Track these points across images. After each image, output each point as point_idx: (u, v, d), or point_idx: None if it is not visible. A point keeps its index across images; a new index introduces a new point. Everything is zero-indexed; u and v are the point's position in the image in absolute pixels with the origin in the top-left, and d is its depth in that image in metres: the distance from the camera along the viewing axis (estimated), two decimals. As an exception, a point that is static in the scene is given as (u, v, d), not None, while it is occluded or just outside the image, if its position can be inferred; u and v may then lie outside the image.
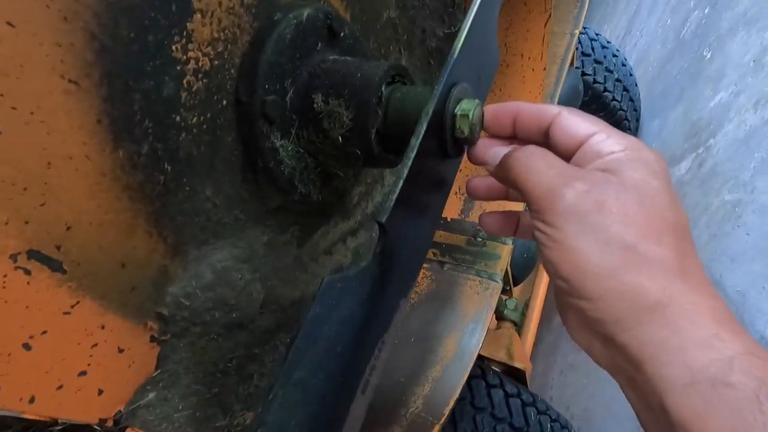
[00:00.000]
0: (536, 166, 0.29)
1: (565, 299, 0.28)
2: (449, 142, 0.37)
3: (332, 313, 0.31)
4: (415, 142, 0.33)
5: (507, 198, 0.38)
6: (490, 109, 0.36)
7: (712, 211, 0.96)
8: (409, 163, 0.32)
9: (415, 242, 0.38)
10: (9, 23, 0.24)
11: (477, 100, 0.37)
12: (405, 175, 0.32)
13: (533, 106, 0.33)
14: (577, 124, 0.31)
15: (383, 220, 0.31)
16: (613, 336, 0.26)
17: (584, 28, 1.43)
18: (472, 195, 0.39)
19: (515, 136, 0.35)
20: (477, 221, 0.81)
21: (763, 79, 0.96)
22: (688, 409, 0.22)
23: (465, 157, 0.39)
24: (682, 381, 0.23)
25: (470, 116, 0.36)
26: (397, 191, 0.32)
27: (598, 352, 0.28)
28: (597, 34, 1.45)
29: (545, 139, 0.33)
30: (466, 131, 0.36)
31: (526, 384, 1.06)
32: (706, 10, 1.42)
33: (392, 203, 0.31)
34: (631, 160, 0.28)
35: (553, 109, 0.32)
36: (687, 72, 1.38)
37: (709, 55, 1.27)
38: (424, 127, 0.33)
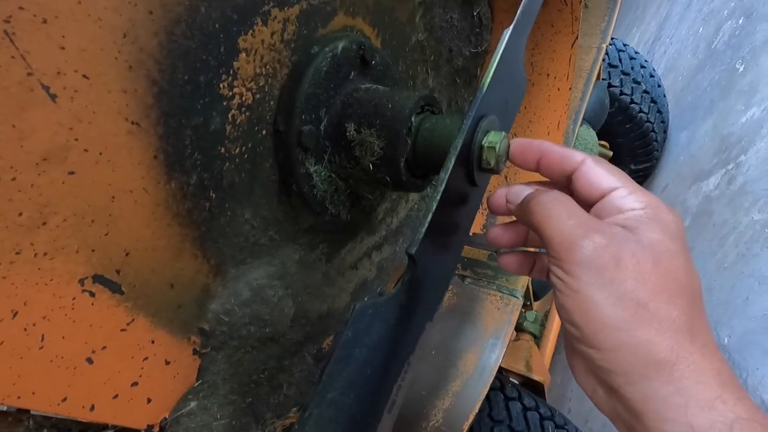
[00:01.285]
0: (558, 213, 0.30)
1: (575, 345, 0.29)
2: (476, 172, 0.39)
3: (363, 337, 0.33)
4: (444, 176, 0.35)
5: (526, 244, 0.39)
6: (517, 144, 0.37)
7: (741, 230, 0.94)
8: (438, 197, 0.34)
9: (441, 269, 0.40)
10: (85, 76, 0.27)
11: (503, 133, 0.38)
12: (434, 208, 0.34)
13: (559, 151, 0.34)
14: (601, 176, 0.32)
15: (413, 251, 0.33)
16: (618, 387, 0.27)
17: (612, 38, 1.41)
18: (492, 244, 0.40)
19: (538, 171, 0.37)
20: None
21: (797, 96, 0.94)
22: None
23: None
24: None
25: (497, 148, 0.37)
26: (427, 223, 0.34)
27: (601, 399, 0.29)
28: (625, 45, 1.43)
29: (567, 183, 0.34)
30: (493, 162, 0.38)
31: (545, 396, 1.06)
32: (741, 21, 1.39)
33: (422, 235, 0.33)
34: (650, 219, 0.29)
35: (578, 157, 0.33)
36: (718, 84, 1.35)
37: (741, 68, 1.24)
38: (453, 162, 0.35)
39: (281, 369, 0.50)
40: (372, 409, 0.34)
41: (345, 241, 0.58)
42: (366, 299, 0.39)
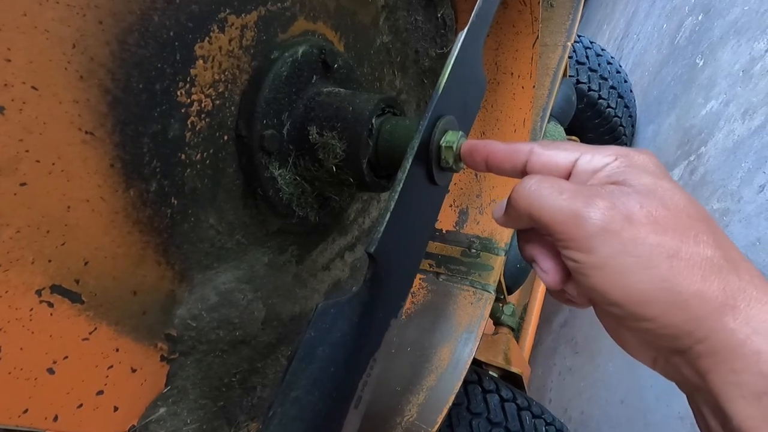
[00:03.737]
0: (547, 194, 0.27)
1: (622, 324, 0.26)
2: (435, 171, 0.40)
3: (326, 336, 0.34)
4: (402, 176, 0.36)
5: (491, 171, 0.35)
6: (465, 147, 0.37)
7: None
8: (396, 196, 0.35)
9: (404, 267, 0.41)
10: (33, 87, 0.27)
11: (461, 132, 0.39)
12: (392, 207, 0.35)
13: (504, 147, 0.33)
14: (555, 155, 0.30)
15: (372, 250, 0.34)
16: (684, 349, 0.24)
17: (579, 36, 1.45)
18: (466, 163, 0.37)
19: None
20: (471, 233, 0.84)
21: (751, 89, 0.98)
22: (756, 419, 0.22)
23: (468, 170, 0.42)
24: (756, 389, 0.22)
25: (454, 147, 0.39)
26: (385, 222, 0.35)
27: (664, 367, 0.27)
28: (591, 42, 1.47)
29: (521, 176, 0.33)
30: (451, 161, 0.39)
31: (524, 388, 1.08)
32: (700, 17, 1.44)
33: (380, 234, 0.34)
34: (629, 166, 0.27)
35: (524, 147, 0.32)
36: (680, 79, 1.40)
37: (701, 63, 1.29)
38: (410, 162, 0.36)
39: (254, 371, 0.50)
40: (337, 405, 0.35)
41: (316, 242, 0.59)
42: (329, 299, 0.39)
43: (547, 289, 0.34)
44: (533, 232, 0.31)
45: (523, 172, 0.32)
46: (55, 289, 0.31)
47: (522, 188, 0.29)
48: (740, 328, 0.23)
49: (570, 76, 1.40)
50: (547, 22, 1.10)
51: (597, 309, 0.29)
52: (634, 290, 0.24)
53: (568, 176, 0.30)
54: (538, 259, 0.30)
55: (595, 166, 0.28)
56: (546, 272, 0.30)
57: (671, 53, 1.58)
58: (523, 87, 0.73)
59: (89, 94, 0.30)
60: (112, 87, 0.31)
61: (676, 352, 0.25)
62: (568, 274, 0.29)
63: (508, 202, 0.31)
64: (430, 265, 0.81)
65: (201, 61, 0.37)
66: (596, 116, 1.45)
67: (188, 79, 0.37)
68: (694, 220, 0.25)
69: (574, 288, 0.29)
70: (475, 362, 1.05)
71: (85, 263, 0.32)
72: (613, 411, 1.07)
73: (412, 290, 0.78)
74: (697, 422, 0.27)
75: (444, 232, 0.83)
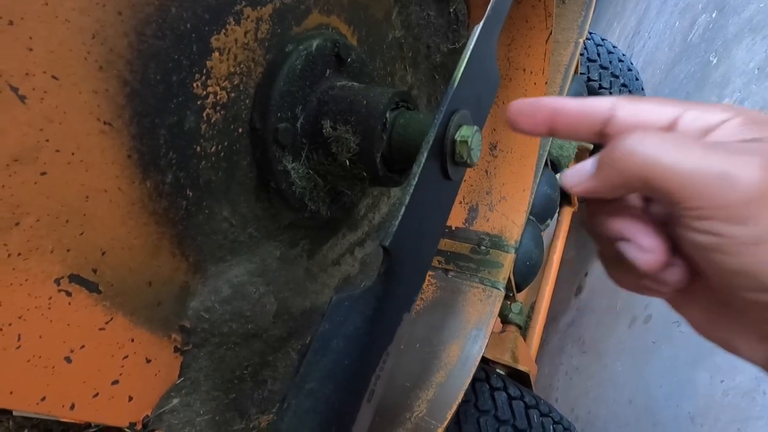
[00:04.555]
0: (674, 153, 0.21)
1: (747, 318, 0.21)
2: (450, 166, 0.40)
3: (340, 329, 0.34)
4: (417, 170, 0.36)
5: (553, 135, 0.28)
6: (519, 106, 0.29)
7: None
8: (411, 190, 0.35)
9: (417, 261, 0.41)
10: (54, 77, 0.27)
11: (476, 127, 0.39)
12: (407, 201, 0.35)
13: (576, 105, 0.26)
14: (650, 110, 0.24)
15: (387, 243, 0.34)
16: None
17: (590, 33, 1.44)
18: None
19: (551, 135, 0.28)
20: (481, 230, 0.84)
21: (766, 87, 0.97)
22: None
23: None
24: None
25: (469, 142, 0.38)
26: (400, 216, 0.35)
27: None
28: (603, 39, 1.46)
29: (600, 140, 0.26)
30: (465, 156, 0.39)
31: (531, 386, 1.08)
32: (714, 14, 1.42)
33: (395, 228, 0.34)
34: (754, 122, 0.22)
35: (603, 103, 0.25)
36: (693, 77, 1.39)
37: (715, 61, 1.27)
38: (425, 156, 0.36)
39: (265, 364, 0.50)
40: (350, 399, 0.35)
41: (326, 237, 0.59)
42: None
43: (614, 272, 0.27)
44: (621, 203, 0.25)
45: (601, 135, 0.26)
46: (74, 278, 0.31)
47: (631, 145, 0.22)
48: None
49: (581, 73, 1.39)
50: (559, 19, 1.09)
51: (696, 297, 0.24)
52: None
53: None
54: (633, 235, 0.24)
55: (708, 123, 0.22)
56: (647, 251, 0.23)
57: (684, 51, 1.56)
58: (535, 83, 0.73)
59: (108, 84, 0.30)
60: (130, 78, 0.31)
61: None
62: (670, 252, 0.23)
63: (601, 162, 0.24)
64: (440, 262, 0.81)
65: (217, 54, 0.37)
66: (607, 114, 1.43)
67: (204, 71, 0.37)
68: None
69: (676, 270, 0.23)
70: (483, 360, 1.05)
71: (103, 253, 0.32)
72: (621, 411, 1.06)
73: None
74: None
75: (453, 228, 0.83)
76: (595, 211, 0.26)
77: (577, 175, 0.26)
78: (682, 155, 0.21)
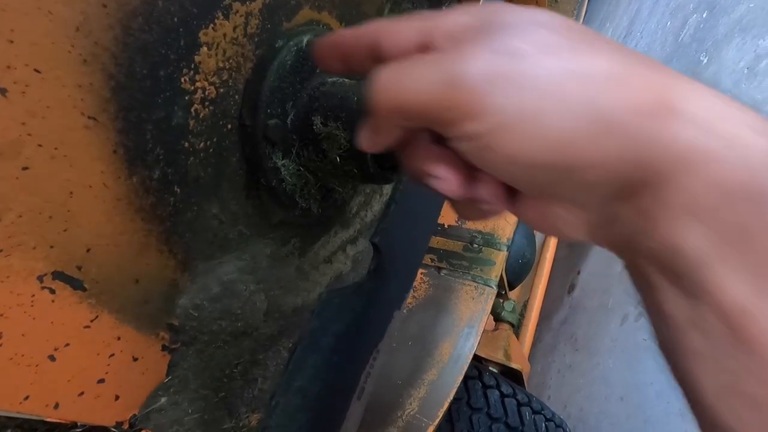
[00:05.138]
0: (409, 73, 0.21)
1: (550, 192, 0.22)
2: (440, 163, 0.39)
3: (330, 326, 0.34)
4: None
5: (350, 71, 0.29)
6: (317, 48, 0.30)
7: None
8: (401, 187, 0.35)
9: (408, 258, 0.41)
10: (36, 70, 0.27)
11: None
12: (397, 197, 0.35)
13: (350, 32, 0.27)
14: (402, 29, 0.24)
15: (376, 240, 0.34)
16: (626, 189, 0.20)
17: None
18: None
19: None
20: (473, 228, 0.84)
21: (756, 86, 0.98)
22: (717, 245, 0.17)
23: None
24: (712, 204, 0.17)
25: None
26: (390, 213, 0.34)
27: (605, 231, 0.22)
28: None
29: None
30: (456, 153, 0.39)
31: (524, 384, 1.09)
32: (704, 15, 1.44)
33: (384, 225, 0.34)
34: (492, 11, 0.22)
35: (369, 26, 0.26)
36: (684, 76, 1.40)
37: (705, 60, 1.28)
38: (415, 152, 0.36)
39: (255, 363, 0.50)
40: (340, 396, 0.35)
41: (318, 235, 0.59)
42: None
43: (457, 209, 0.28)
44: (413, 143, 0.26)
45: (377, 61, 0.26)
46: (57, 275, 0.30)
47: (377, 84, 0.22)
48: (688, 131, 0.18)
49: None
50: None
51: (519, 197, 0.24)
52: (556, 135, 0.19)
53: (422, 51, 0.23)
54: (429, 169, 0.24)
55: (451, 30, 0.22)
56: (444, 179, 0.24)
57: (675, 51, 1.58)
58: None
59: (93, 78, 0.30)
60: (116, 72, 0.31)
61: (617, 200, 0.20)
62: (470, 172, 0.24)
63: (369, 113, 0.24)
64: (432, 260, 0.81)
65: (205, 48, 0.37)
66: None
67: (192, 66, 0.36)
68: (586, 34, 0.21)
69: (486, 185, 0.24)
70: (476, 358, 1.05)
71: (88, 250, 0.32)
72: (612, 408, 1.07)
73: (414, 285, 0.77)
74: (644, 302, 0.22)
75: (446, 226, 0.83)
76: (402, 160, 0.27)
77: (364, 134, 0.27)
78: (417, 72, 0.21)
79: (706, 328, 0.18)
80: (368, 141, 0.27)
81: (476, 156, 0.21)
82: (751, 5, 1.15)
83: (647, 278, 0.20)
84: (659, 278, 0.20)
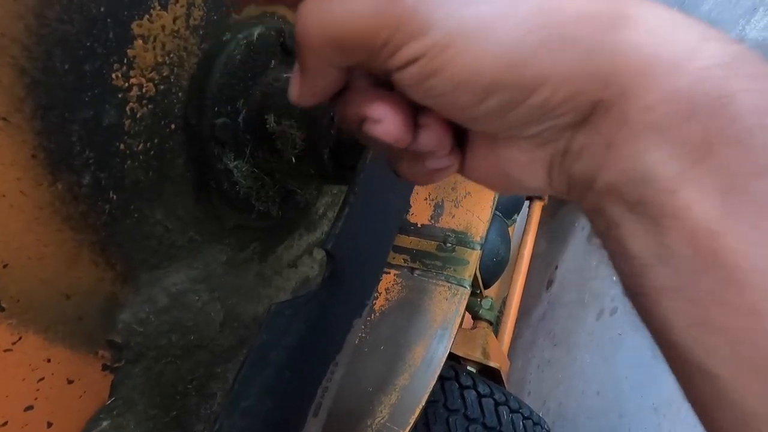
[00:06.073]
0: (337, 6, 0.19)
1: (503, 122, 0.19)
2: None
3: (281, 339, 0.31)
4: (362, 166, 0.34)
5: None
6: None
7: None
8: (355, 188, 0.33)
9: (368, 263, 0.38)
10: (-73, 64, 0.24)
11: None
12: (351, 200, 0.33)
13: None
14: None
15: (329, 246, 0.31)
16: (587, 110, 0.18)
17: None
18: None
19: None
20: (446, 227, 0.82)
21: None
22: (684, 162, 0.16)
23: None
24: (678, 116, 0.16)
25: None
26: (344, 216, 0.32)
27: (560, 169, 0.21)
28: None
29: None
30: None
31: (503, 382, 1.08)
32: (674, 9, 1.45)
33: (338, 230, 0.32)
34: None
35: None
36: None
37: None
38: (371, 151, 0.34)
39: (213, 376, 0.47)
40: (294, 414, 0.33)
41: (281, 238, 0.56)
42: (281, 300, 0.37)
43: (401, 168, 0.25)
44: (350, 89, 0.23)
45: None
46: (-34, 295, 0.27)
47: (304, 15, 0.20)
48: (644, 39, 0.17)
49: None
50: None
51: (468, 146, 0.22)
52: (506, 49, 0.17)
53: None
54: (366, 111, 0.21)
55: None
56: (383, 120, 0.21)
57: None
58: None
59: (1, 74, 0.26)
60: (30, 67, 0.28)
61: (574, 128, 0.19)
62: (412, 119, 0.21)
63: (298, 56, 0.21)
64: (405, 260, 0.79)
65: (140, 41, 0.34)
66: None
67: (125, 61, 0.33)
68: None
69: (430, 131, 0.21)
70: (453, 357, 1.04)
71: (4, 266, 0.29)
72: (589, 402, 1.08)
73: (386, 286, 0.75)
74: (606, 245, 0.20)
75: (419, 225, 0.81)
76: (336, 108, 0.24)
77: (293, 84, 0.23)
78: (347, 5, 0.19)
79: (674, 260, 0.17)
80: (299, 90, 0.22)
81: (420, 87, 0.19)
82: None
83: (609, 218, 0.19)
84: (622, 214, 0.18)
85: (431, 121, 0.21)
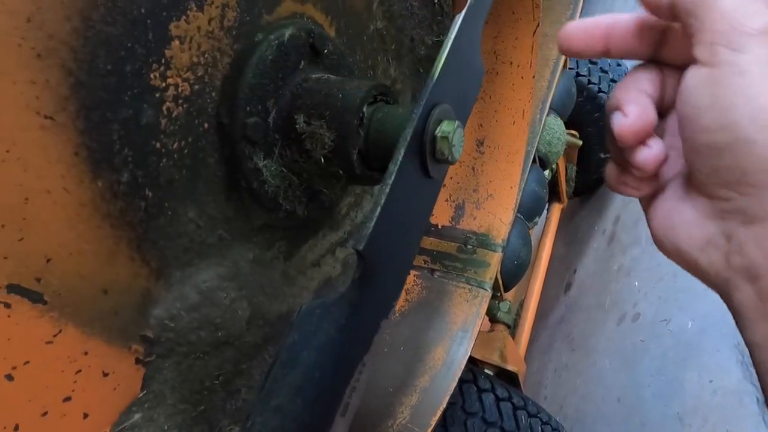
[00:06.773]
0: None
1: (700, 181, 0.23)
2: (430, 164, 0.37)
3: (311, 339, 0.31)
4: (393, 168, 0.34)
5: (607, 54, 0.30)
6: (570, 28, 0.31)
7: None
8: (387, 190, 0.33)
9: (396, 265, 0.38)
10: (-18, 65, 0.24)
11: (457, 122, 0.37)
12: (383, 201, 0.33)
13: (628, 16, 0.29)
14: None
15: (361, 247, 0.31)
16: None
17: (579, 27, 1.42)
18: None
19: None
20: (468, 228, 0.82)
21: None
22: None
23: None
24: None
25: (450, 138, 0.36)
26: (375, 218, 0.32)
27: (717, 246, 0.23)
28: (592, 34, 1.44)
29: (661, 45, 0.28)
30: (447, 153, 0.37)
31: (520, 386, 1.07)
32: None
33: (370, 230, 0.32)
34: None
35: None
36: (682, 72, 1.38)
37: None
38: (402, 153, 0.34)
39: (238, 373, 0.48)
40: (323, 414, 0.33)
41: (305, 237, 0.56)
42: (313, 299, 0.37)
43: (614, 180, 0.30)
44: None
45: (662, 38, 0.29)
46: (13, 288, 0.28)
47: None
48: None
49: (570, 68, 1.37)
50: (548, 12, 1.07)
51: (659, 195, 0.27)
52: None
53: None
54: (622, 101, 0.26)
55: None
56: (635, 106, 0.25)
57: (672, 46, 1.55)
58: (522, 77, 0.71)
59: (48, 74, 0.27)
60: (75, 67, 0.28)
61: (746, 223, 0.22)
62: (654, 119, 0.26)
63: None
64: (425, 261, 0.79)
65: (177, 42, 0.35)
66: (596, 110, 1.42)
67: (163, 61, 0.34)
68: None
69: (655, 145, 0.26)
70: (471, 360, 1.04)
71: (48, 260, 0.29)
72: (609, 409, 1.06)
73: (406, 287, 0.75)
74: (751, 349, 0.22)
75: (439, 227, 0.81)
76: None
77: None
78: None
79: None
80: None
81: (695, 83, 0.23)
82: None
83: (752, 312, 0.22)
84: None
85: (669, 132, 0.27)
